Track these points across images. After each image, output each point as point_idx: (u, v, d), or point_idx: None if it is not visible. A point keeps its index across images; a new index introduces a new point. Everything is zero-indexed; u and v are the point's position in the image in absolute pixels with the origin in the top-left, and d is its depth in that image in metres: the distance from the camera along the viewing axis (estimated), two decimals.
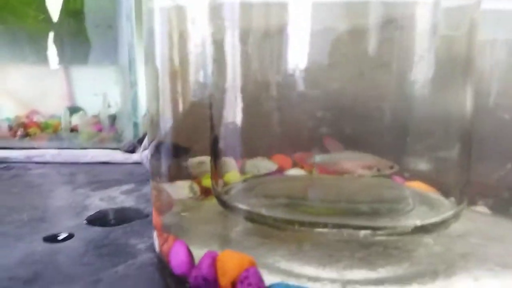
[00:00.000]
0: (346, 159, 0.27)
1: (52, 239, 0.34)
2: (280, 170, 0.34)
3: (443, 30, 0.28)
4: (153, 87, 0.31)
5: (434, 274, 0.22)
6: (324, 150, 0.28)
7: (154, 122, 0.31)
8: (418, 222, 0.25)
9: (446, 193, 0.28)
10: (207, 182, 0.33)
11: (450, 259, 0.23)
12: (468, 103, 0.27)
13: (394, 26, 0.28)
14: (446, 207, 0.26)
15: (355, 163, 0.27)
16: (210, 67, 0.30)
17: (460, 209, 0.26)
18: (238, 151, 0.32)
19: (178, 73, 0.31)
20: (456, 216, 0.25)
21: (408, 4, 0.28)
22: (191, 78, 0.32)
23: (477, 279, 0.22)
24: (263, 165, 0.34)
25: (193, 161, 0.34)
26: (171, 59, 0.31)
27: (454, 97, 0.28)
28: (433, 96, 0.28)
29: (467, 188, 0.27)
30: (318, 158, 0.27)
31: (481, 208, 0.30)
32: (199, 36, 0.31)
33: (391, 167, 0.26)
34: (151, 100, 0.32)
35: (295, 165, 0.34)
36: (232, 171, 0.33)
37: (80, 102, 0.73)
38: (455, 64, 0.28)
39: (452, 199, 0.27)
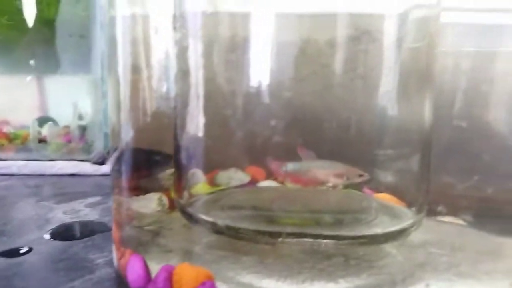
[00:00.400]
0: (317, 168, 0.27)
1: (9, 253, 0.33)
2: (253, 181, 0.33)
3: (408, 43, 0.29)
4: (115, 96, 0.31)
5: (392, 284, 0.22)
6: (296, 159, 0.28)
7: (115, 133, 0.31)
8: (379, 231, 0.25)
9: (408, 203, 0.28)
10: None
11: (408, 269, 0.23)
12: (427, 114, 0.27)
13: (368, 38, 0.28)
14: (407, 216, 0.26)
15: (326, 172, 0.27)
16: (172, 77, 0.30)
17: (419, 218, 0.26)
18: (201, 163, 0.31)
19: (140, 83, 0.31)
20: (415, 225, 0.25)
21: (378, 17, 0.28)
22: (154, 88, 0.31)
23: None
24: (236, 176, 0.33)
25: (164, 173, 0.33)
26: (132, 68, 0.30)
27: (414, 108, 0.28)
28: (397, 108, 0.29)
29: (427, 198, 0.27)
30: (290, 166, 0.27)
31: (448, 219, 0.31)
32: (162, 45, 0.30)
33: (360, 176, 0.26)
34: (113, 110, 0.31)
35: (269, 176, 0.34)
36: (201, 183, 0.33)
37: (52, 113, 0.72)
38: (417, 76, 0.29)
39: (413, 208, 0.27)
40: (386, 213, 0.27)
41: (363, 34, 0.28)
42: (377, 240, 0.25)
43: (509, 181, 0.30)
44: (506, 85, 0.33)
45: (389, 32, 0.29)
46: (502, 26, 0.32)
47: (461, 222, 0.30)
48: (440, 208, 0.30)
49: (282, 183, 0.33)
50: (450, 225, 0.30)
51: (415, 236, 0.27)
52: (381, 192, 0.29)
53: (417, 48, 0.29)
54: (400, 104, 0.29)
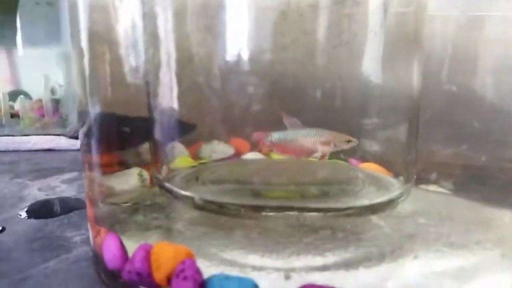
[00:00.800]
0: (304, 136, 0.26)
1: None
2: (238, 154, 0.32)
3: (394, 7, 0.27)
4: (79, 68, 0.28)
5: (380, 257, 0.21)
6: (279, 129, 0.27)
7: (82, 107, 0.29)
8: (366, 202, 0.24)
9: (395, 173, 0.27)
10: None
11: (397, 240, 0.23)
12: (415, 81, 0.26)
13: (352, 2, 0.27)
14: (394, 187, 0.25)
15: (312, 140, 0.26)
16: (141, 46, 0.28)
17: (407, 188, 0.25)
18: (175, 136, 0.30)
19: (105, 53, 0.28)
20: (403, 195, 0.24)
21: None
22: (121, 57, 0.29)
23: (418, 259, 0.21)
24: (219, 149, 0.32)
25: (145, 146, 0.32)
26: (97, 37, 0.28)
27: (402, 75, 0.27)
28: (383, 75, 0.28)
29: (415, 167, 0.26)
30: (276, 136, 0.26)
31: (434, 187, 0.30)
32: (128, 11, 0.28)
33: (348, 141, 0.25)
34: (78, 82, 0.29)
35: (253, 148, 0.32)
36: (182, 157, 0.31)
37: (24, 86, 0.68)
38: (404, 41, 0.27)
39: (401, 178, 0.26)
40: (373, 183, 0.26)
41: None
42: (364, 212, 0.24)
43: (499, 148, 0.29)
44: (494, 50, 0.32)
45: None
46: None
47: (445, 190, 0.29)
48: (433, 176, 0.29)
49: (267, 154, 0.32)
50: (437, 195, 0.29)
51: (402, 207, 0.26)
52: (367, 161, 0.29)
53: (404, 12, 0.28)
54: (386, 71, 0.28)
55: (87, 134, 0.27)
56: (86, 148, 0.28)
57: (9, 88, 0.68)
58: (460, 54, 0.32)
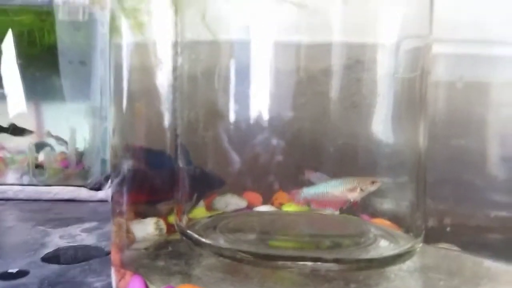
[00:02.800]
0: (332, 187, 0.27)
1: (4, 276, 0.32)
2: (250, 206, 0.34)
3: (401, 73, 0.30)
4: (118, 123, 0.31)
5: None
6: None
7: (117, 160, 0.31)
8: (378, 255, 0.25)
9: (404, 229, 0.28)
10: (172, 219, 0.32)
11: None
12: (421, 141, 0.28)
13: (361, 67, 0.29)
14: (405, 241, 0.26)
15: (340, 189, 0.27)
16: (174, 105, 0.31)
17: (417, 243, 0.26)
18: (201, 189, 0.32)
19: (142, 112, 0.31)
20: (414, 249, 0.26)
21: (370, 47, 0.30)
22: (156, 116, 0.32)
23: None
24: (232, 201, 0.34)
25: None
26: (135, 96, 0.31)
27: (409, 136, 0.29)
28: (392, 136, 0.30)
29: (424, 223, 0.27)
30: (307, 191, 0.27)
31: (445, 245, 0.31)
32: (164, 74, 0.31)
33: (373, 182, 0.27)
34: (116, 136, 0.31)
35: (265, 202, 0.34)
36: (199, 207, 0.33)
37: (49, 139, 0.72)
38: (410, 105, 0.30)
39: (410, 234, 0.27)
40: (384, 237, 0.27)
41: (356, 63, 0.29)
42: (376, 264, 0.25)
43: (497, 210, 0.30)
44: (498, 115, 0.34)
45: (381, 62, 0.30)
46: (493, 57, 0.33)
47: (456, 248, 0.30)
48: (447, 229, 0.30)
49: (278, 207, 0.33)
50: (446, 251, 0.30)
51: (413, 262, 0.27)
52: (378, 218, 0.30)
53: (410, 77, 0.30)
54: (394, 132, 0.30)
55: (120, 184, 0.29)
56: (117, 197, 0.30)
57: (34, 139, 0.72)
58: (464, 118, 0.34)
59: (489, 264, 0.28)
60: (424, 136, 0.29)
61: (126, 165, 0.31)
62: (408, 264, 0.27)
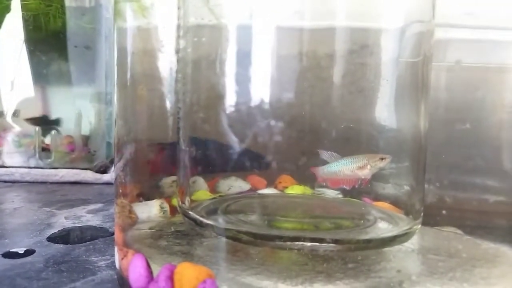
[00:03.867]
0: (344, 165, 0.27)
1: (11, 255, 0.33)
2: (253, 190, 0.34)
3: (405, 58, 0.30)
4: (122, 107, 0.31)
5: (388, 287, 0.22)
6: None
7: (120, 143, 0.31)
8: (377, 236, 0.25)
9: (405, 211, 0.28)
10: (176, 201, 0.33)
11: (405, 273, 0.24)
12: (422, 126, 0.28)
13: (366, 52, 0.29)
14: (404, 223, 0.27)
15: (350, 167, 0.27)
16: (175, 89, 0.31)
17: (416, 225, 0.26)
18: (203, 171, 0.32)
19: (145, 95, 0.31)
20: (411, 231, 0.26)
21: (375, 32, 0.29)
22: (160, 99, 0.32)
23: None
24: (236, 184, 0.34)
25: (166, 180, 0.34)
26: (139, 79, 0.31)
27: (411, 120, 0.29)
28: (394, 120, 0.30)
29: (423, 205, 0.28)
30: (324, 169, 0.28)
31: (451, 229, 0.31)
32: (167, 57, 0.31)
33: (382, 159, 0.27)
34: (119, 121, 0.32)
35: (269, 185, 0.34)
36: (202, 190, 0.33)
37: (55, 122, 0.72)
38: (413, 89, 0.30)
39: (410, 216, 0.27)
40: (384, 219, 0.28)
41: (361, 48, 0.29)
42: (374, 245, 0.25)
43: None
44: (499, 96, 0.34)
45: (386, 47, 0.30)
46: (495, 42, 0.33)
47: (459, 231, 0.30)
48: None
49: (282, 190, 0.34)
50: (448, 234, 0.30)
51: (413, 243, 0.27)
52: (379, 201, 0.30)
53: (413, 62, 0.30)
54: (397, 117, 0.30)
55: (124, 167, 0.29)
56: (121, 178, 0.30)
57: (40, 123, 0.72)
58: (467, 101, 0.34)
59: (489, 246, 0.28)
60: (425, 121, 0.29)
61: (129, 148, 0.31)
62: (408, 245, 0.27)
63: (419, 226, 0.27)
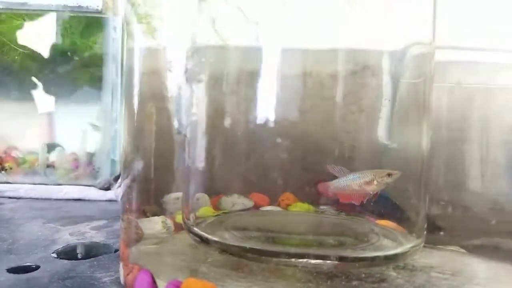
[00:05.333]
0: (352, 180, 0.28)
1: (16, 270, 0.33)
2: (256, 207, 0.34)
3: (406, 79, 0.31)
4: (130, 125, 0.32)
5: None
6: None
7: (128, 160, 0.32)
8: (380, 254, 0.25)
9: (408, 229, 0.29)
10: (180, 218, 0.33)
11: None
12: (424, 145, 0.29)
13: (368, 72, 0.30)
14: (407, 241, 0.27)
15: (358, 182, 0.28)
16: (184, 110, 0.32)
17: (419, 243, 0.27)
18: (207, 189, 0.32)
19: (153, 114, 0.32)
20: (414, 249, 0.26)
21: (377, 53, 0.30)
22: (168, 119, 0.33)
23: None
24: (239, 202, 0.34)
25: (169, 197, 0.34)
26: (147, 99, 0.32)
27: (413, 139, 0.30)
28: (396, 139, 0.30)
29: (425, 224, 0.28)
30: (334, 184, 0.28)
31: (453, 247, 0.31)
32: (175, 78, 0.32)
33: (389, 175, 0.27)
34: (127, 138, 0.32)
35: (272, 203, 0.35)
36: (206, 207, 0.34)
37: (60, 139, 0.73)
38: (414, 109, 0.30)
39: (413, 234, 0.28)
40: (387, 237, 0.28)
41: (363, 69, 0.30)
42: (378, 262, 0.26)
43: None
44: (501, 119, 0.35)
45: (387, 68, 0.30)
46: (495, 64, 0.34)
47: (462, 250, 0.31)
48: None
49: (285, 208, 0.34)
50: (451, 252, 0.30)
51: (417, 261, 0.28)
52: (383, 219, 0.30)
53: (414, 82, 0.31)
54: (399, 136, 0.30)
55: (131, 185, 0.30)
56: (127, 195, 0.30)
57: (46, 140, 0.73)
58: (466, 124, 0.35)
59: (492, 265, 0.28)
60: (427, 140, 0.30)
61: (137, 165, 0.32)
62: (412, 263, 0.27)
63: (422, 244, 0.27)
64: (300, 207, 0.34)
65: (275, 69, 0.30)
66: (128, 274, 0.27)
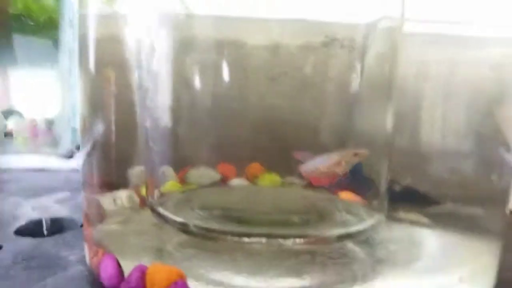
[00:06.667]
0: (320, 163, 0.28)
1: None
2: (224, 179, 0.34)
3: (373, 49, 0.30)
4: (86, 90, 0.31)
5: (353, 279, 0.23)
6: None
7: (86, 127, 0.31)
8: (343, 230, 0.26)
9: (370, 203, 0.30)
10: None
11: (369, 265, 0.25)
12: (389, 118, 0.29)
13: (338, 44, 0.29)
14: (369, 215, 0.28)
15: (326, 165, 0.28)
16: (144, 74, 0.30)
17: (380, 217, 0.28)
18: (172, 160, 0.32)
19: (112, 78, 0.31)
20: (377, 223, 0.27)
21: (347, 26, 0.30)
22: (126, 83, 0.31)
23: (386, 281, 0.24)
24: (206, 174, 0.34)
25: (134, 170, 0.34)
26: (104, 64, 0.30)
27: (379, 112, 0.30)
28: (364, 111, 0.30)
29: (387, 198, 0.29)
30: (304, 169, 0.28)
31: (415, 216, 0.32)
32: (133, 42, 0.30)
33: (356, 154, 0.28)
34: (84, 104, 0.31)
35: (239, 174, 0.35)
36: (171, 182, 0.33)
37: (17, 106, 0.70)
38: (381, 81, 0.30)
39: (375, 208, 0.29)
40: (350, 212, 0.29)
41: (332, 40, 0.30)
42: (341, 238, 0.26)
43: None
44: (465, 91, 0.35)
45: (356, 40, 0.30)
46: (461, 37, 0.34)
47: (424, 219, 0.32)
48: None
49: (252, 181, 0.34)
50: (411, 224, 0.32)
51: (378, 235, 0.29)
52: (346, 190, 0.31)
53: (382, 55, 0.31)
54: (366, 108, 0.30)
55: (90, 154, 0.29)
56: (88, 167, 0.30)
57: (1, 107, 0.70)
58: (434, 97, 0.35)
59: (449, 236, 0.29)
60: (391, 113, 0.30)
61: (96, 130, 0.30)
62: (373, 237, 0.28)
63: (384, 219, 0.28)
64: (268, 178, 0.34)
65: (242, 38, 0.29)
66: (93, 257, 0.27)
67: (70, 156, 0.61)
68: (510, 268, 0.29)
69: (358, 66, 0.30)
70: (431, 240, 0.29)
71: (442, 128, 0.33)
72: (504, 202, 0.28)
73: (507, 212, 0.28)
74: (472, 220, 0.29)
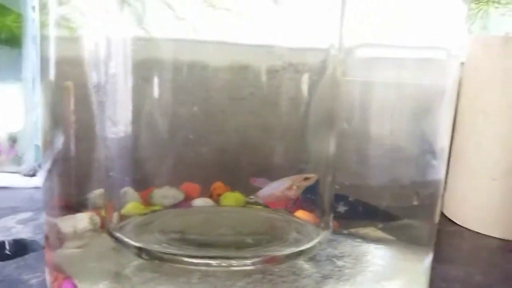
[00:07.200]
0: (274, 189, 0.30)
1: None
2: (188, 198, 0.35)
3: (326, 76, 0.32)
4: (47, 103, 0.31)
5: None
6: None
7: (47, 142, 0.31)
8: (292, 250, 0.28)
9: (319, 221, 0.32)
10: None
11: (316, 281, 0.27)
12: (331, 141, 0.31)
13: (292, 69, 0.31)
14: (316, 234, 0.30)
15: (280, 190, 0.30)
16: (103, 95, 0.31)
17: (326, 235, 0.30)
18: (133, 181, 0.32)
19: (70, 90, 0.31)
20: (323, 241, 0.29)
21: (300, 51, 0.32)
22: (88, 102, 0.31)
23: None
24: (170, 194, 0.34)
25: (95, 191, 0.34)
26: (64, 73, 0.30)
27: (324, 135, 0.32)
28: (312, 134, 0.32)
29: (331, 216, 0.31)
30: (260, 195, 0.30)
31: (368, 230, 0.34)
32: (93, 65, 0.31)
33: (306, 179, 0.30)
34: (45, 118, 0.31)
35: (203, 193, 0.36)
36: (132, 203, 0.33)
37: None
38: (326, 105, 0.32)
39: (322, 225, 0.31)
40: (299, 231, 0.31)
41: (289, 66, 0.32)
42: (291, 257, 0.28)
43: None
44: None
45: (311, 66, 0.32)
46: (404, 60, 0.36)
47: (379, 232, 0.34)
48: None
49: (216, 201, 0.35)
50: (361, 240, 0.34)
51: (327, 251, 0.31)
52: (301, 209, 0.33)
53: (331, 80, 0.33)
54: (314, 130, 0.32)
55: (50, 172, 0.29)
56: (47, 184, 0.30)
57: None
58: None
59: (395, 251, 0.32)
60: (334, 139, 0.32)
61: (57, 143, 0.30)
62: (322, 254, 0.30)
63: (330, 235, 0.30)
64: (230, 197, 0.35)
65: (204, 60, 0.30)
66: (53, 282, 0.27)
67: (33, 173, 0.60)
68: (444, 278, 0.31)
69: (311, 91, 0.32)
70: (372, 255, 0.31)
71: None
72: (432, 211, 0.31)
73: (435, 221, 0.31)
74: (411, 231, 0.32)
